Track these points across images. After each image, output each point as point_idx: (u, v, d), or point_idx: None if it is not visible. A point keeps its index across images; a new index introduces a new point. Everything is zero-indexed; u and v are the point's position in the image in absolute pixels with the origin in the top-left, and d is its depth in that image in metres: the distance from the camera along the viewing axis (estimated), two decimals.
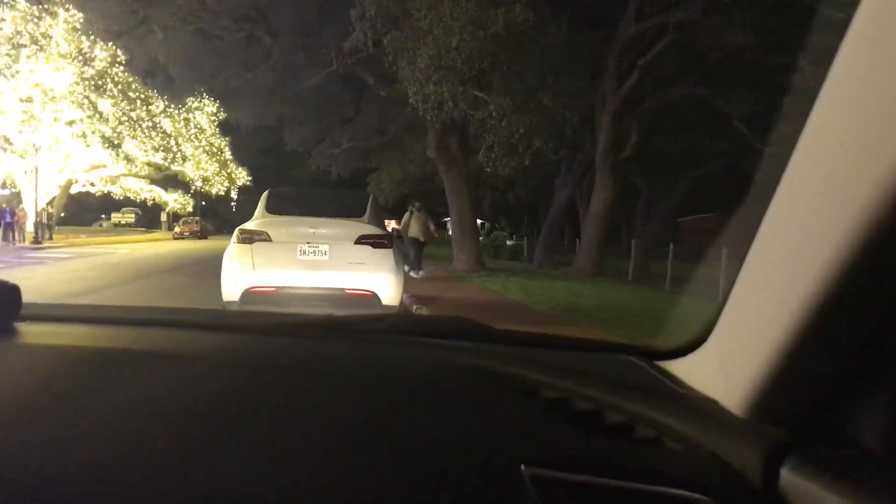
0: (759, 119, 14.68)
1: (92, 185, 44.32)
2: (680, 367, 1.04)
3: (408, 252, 16.09)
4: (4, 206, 29.50)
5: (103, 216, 71.51)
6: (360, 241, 7.56)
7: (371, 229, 7.70)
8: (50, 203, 37.89)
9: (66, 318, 1.28)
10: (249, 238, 7.52)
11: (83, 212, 68.11)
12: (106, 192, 46.32)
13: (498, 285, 14.19)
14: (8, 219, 28.45)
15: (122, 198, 48.38)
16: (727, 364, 0.87)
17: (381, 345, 1.22)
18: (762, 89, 14.66)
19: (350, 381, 0.95)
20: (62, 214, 70.66)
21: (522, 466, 0.73)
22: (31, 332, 1.05)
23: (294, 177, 36.18)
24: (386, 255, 7.60)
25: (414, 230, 15.83)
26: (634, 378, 1.08)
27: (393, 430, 0.81)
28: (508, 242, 36.08)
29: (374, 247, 7.57)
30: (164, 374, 0.90)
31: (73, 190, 45.35)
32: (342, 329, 1.32)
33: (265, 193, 8.47)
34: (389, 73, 18.75)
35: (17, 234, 29.30)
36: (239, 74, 22.02)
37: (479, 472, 0.73)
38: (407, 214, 16.14)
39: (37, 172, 29.54)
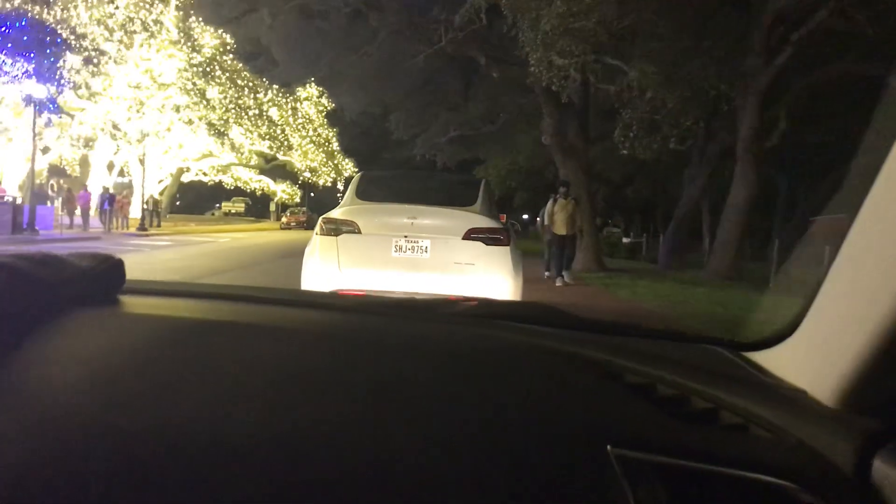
0: None
1: (204, 174, 45.26)
2: (766, 358, 1.02)
3: (548, 251, 13.33)
4: (111, 191, 29.56)
5: (218, 205, 73.49)
6: (470, 235, 5.94)
7: (484, 221, 6.05)
8: (161, 192, 38.41)
9: (168, 293, 1.28)
10: (335, 229, 6.06)
11: (198, 200, 70.20)
12: (217, 181, 47.16)
13: (625, 290, 12.25)
14: (106, 205, 28.16)
15: (232, 187, 49.19)
16: (817, 354, 0.86)
17: (463, 326, 1.17)
18: None
19: (434, 359, 0.94)
20: (177, 203, 73.48)
21: (608, 447, 0.72)
22: (136, 304, 1.08)
23: (399, 167, 35.18)
24: (502, 255, 5.97)
25: (559, 223, 12.70)
26: (720, 367, 1.05)
27: (478, 408, 0.80)
28: (625, 240, 33.69)
29: (488, 243, 5.94)
30: (266, 346, 0.92)
31: (186, 179, 46.48)
32: (424, 310, 1.34)
33: (357, 176, 6.98)
34: (502, 52, 17.08)
35: (119, 221, 29.27)
36: (343, 57, 20.74)
37: (565, 452, 0.73)
38: (550, 202, 12.93)
39: (144, 159, 29.48)
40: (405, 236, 5.96)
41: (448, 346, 1.02)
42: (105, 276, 1.05)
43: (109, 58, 28.94)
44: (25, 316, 0.88)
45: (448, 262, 5.89)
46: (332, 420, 0.75)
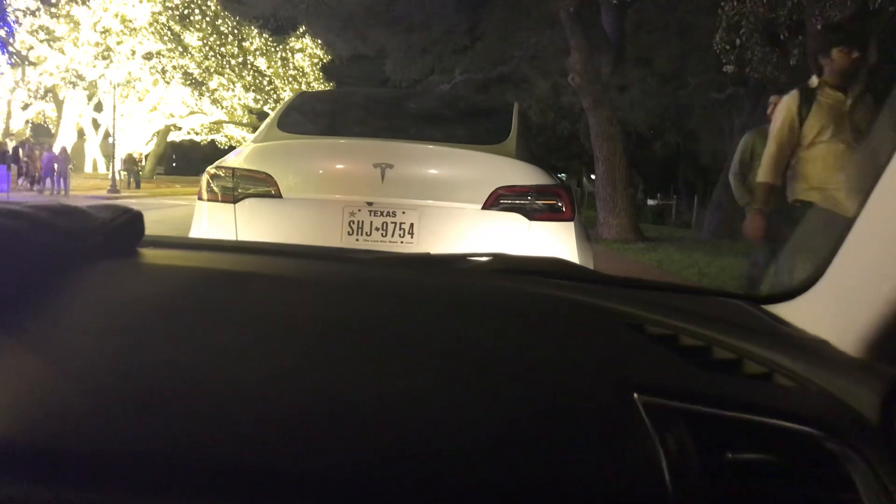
0: None
1: (196, 133, 42.70)
2: (786, 311, 1.02)
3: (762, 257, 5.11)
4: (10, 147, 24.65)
5: None
6: (500, 200, 3.02)
7: (525, 172, 3.10)
8: (143, 154, 35.62)
9: (188, 246, 1.30)
10: (231, 190, 3.11)
11: (204, 161, 67.81)
12: (209, 140, 44.80)
13: (689, 269, 9.25)
14: None
15: (226, 147, 46.50)
16: (840, 304, 0.87)
17: (482, 279, 1.16)
18: None
19: (455, 309, 0.93)
20: (174, 164, 70.91)
21: (635, 395, 0.71)
22: (157, 255, 1.08)
23: None
24: (562, 240, 3.07)
25: (816, 170, 3.93)
26: (741, 319, 1.03)
27: (503, 358, 0.79)
28: (650, 202, 30.65)
29: (534, 216, 3.03)
30: (285, 297, 0.92)
31: (177, 138, 44.41)
32: (440, 264, 1.31)
33: (287, 99, 3.96)
34: None
35: (59, 182, 24.75)
36: None
37: (593, 400, 0.72)
38: (792, 98, 4.02)
39: (115, 114, 26.21)
40: (369, 203, 3.01)
41: (468, 297, 1.00)
42: (125, 227, 1.03)
43: None
44: (49, 265, 0.86)
45: (457, 252, 2.94)
46: (349, 368, 0.74)
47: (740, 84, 16.50)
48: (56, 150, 25.47)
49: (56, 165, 24.33)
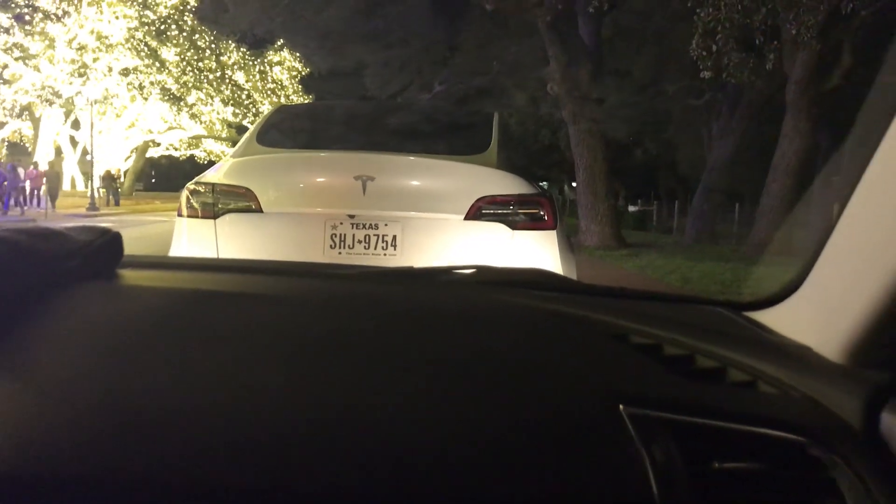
0: None
1: (175, 148, 42.45)
2: (769, 317, 1.02)
3: None
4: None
5: None
6: (482, 211, 2.99)
7: (506, 182, 3.07)
8: (122, 171, 35.32)
9: (167, 266, 1.28)
10: (211, 205, 3.07)
11: (184, 178, 67.62)
12: (189, 156, 44.61)
13: (672, 274, 9.28)
14: None
15: (205, 162, 46.31)
16: (822, 311, 0.87)
17: (465, 292, 1.16)
18: None
19: (440, 323, 0.93)
20: (153, 180, 70.30)
21: (621, 406, 0.72)
22: (136, 276, 1.08)
23: None
24: (544, 250, 3.05)
25: None
26: (724, 326, 1.05)
27: (488, 370, 0.79)
28: (631, 208, 30.84)
29: (516, 225, 3.00)
30: (267, 315, 0.92)
31: (156, 154, 44.10)
32: (424, 277, 1.30)
33: (266, 113, 3.93)
34: None
35: (25, 201, 24.18)
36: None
37: (579, 412, 0.72)
38: None
39: (92, 128, 25.94)
40: (350, 216, 2.98)
41: (452, 311, 1.00)
42: (104, 249, 1.03)
43: (46, 15, 25.36)
44: (28, 290, 0.86)
45: (439, 266, 2.92)
46: (335, 385, 0.73)
47: (718, 90, 16.71)
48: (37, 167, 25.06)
49: (6, 183, 23.14)
